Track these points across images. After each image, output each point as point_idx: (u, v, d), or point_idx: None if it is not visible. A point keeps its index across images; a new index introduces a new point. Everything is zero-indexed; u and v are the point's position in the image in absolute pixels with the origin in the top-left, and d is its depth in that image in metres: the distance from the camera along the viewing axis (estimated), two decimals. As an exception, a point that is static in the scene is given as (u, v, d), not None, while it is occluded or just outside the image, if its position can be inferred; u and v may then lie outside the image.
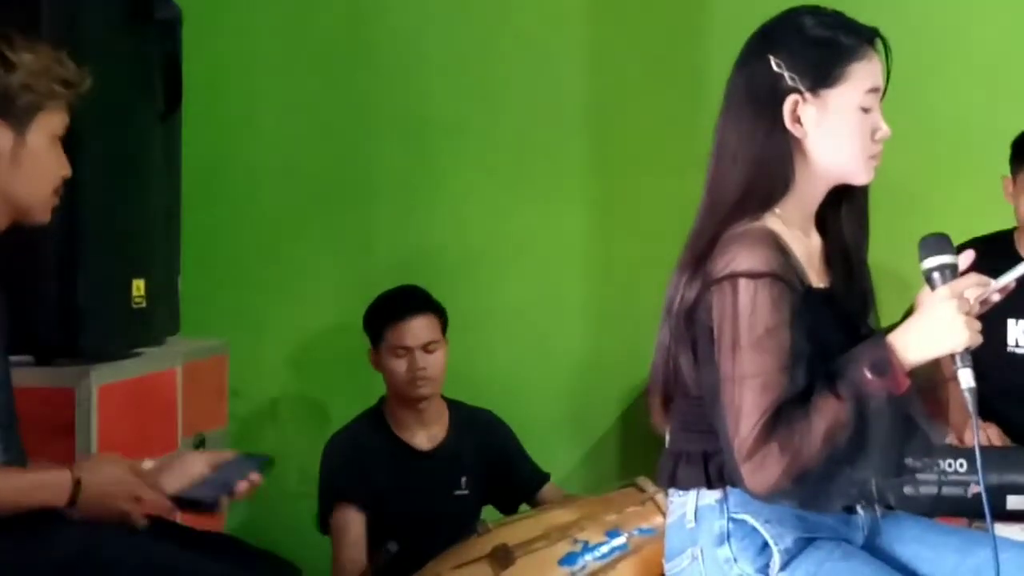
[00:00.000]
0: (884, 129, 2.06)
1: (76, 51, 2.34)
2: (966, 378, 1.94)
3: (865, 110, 2.04)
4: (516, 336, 4.04)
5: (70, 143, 2.34)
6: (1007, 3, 3.91)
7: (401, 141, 4.11)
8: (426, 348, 3.31)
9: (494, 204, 4.08)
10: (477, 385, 3.58)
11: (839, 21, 2.06)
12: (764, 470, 1.91)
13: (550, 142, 4.06)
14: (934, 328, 1.93)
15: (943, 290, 1.94)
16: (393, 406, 3.40)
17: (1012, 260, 3.23)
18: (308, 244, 4.11)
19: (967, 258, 2.00)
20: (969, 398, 1.93)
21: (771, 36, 2.07)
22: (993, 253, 3.20)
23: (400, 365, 3.31)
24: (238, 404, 3.73)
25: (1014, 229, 3.30)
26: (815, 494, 1.97)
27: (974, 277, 1.96)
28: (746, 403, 1.92)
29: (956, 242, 3.33)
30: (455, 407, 3.45)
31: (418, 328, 3.32)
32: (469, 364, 3.66)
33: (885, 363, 1.91)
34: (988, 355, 3.23)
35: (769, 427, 1.90)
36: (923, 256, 1.98)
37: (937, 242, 1.98)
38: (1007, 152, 3.30)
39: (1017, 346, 3.29)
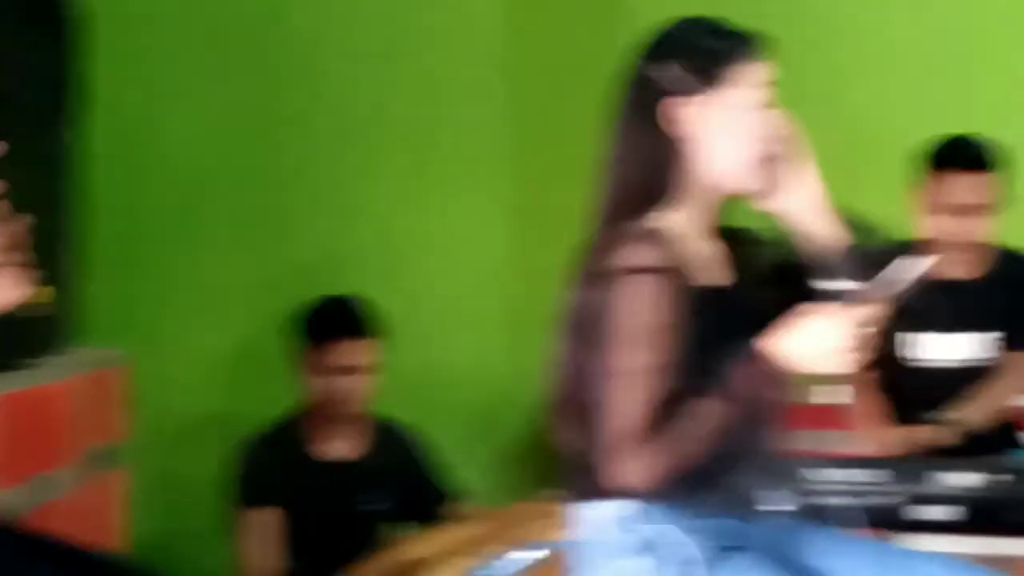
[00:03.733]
0: (775, 129, 2.06)
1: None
2: (836, 393, 1.98)
3: (749, 110, 2.05)
4: (429, 344, 4.02)
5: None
6: (930, 6, 3.93)
7: (315, 145, 4.08)
8: (364, 370, 3.29)
9: (410, 209, 4.06)
10: (389, 392, 3.53)
11: (720, 27, 2.09)
12: (634, 468, 1.90)
13: (469, 147, 4.06)
14: (822, 352, 1.94)
15: (840, 320, 1.94)
16: (312, 416, 3.36)
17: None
18: (218, 250, 4.06)
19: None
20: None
21: (653, 45, 2.09)
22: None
23: (335, 383, 3.27)
24: (144, 416, 3.65)
25: (922, 240, 3.29)
26: (690, 496, 1.96)
27: (874, 311, 1.96)
28: (620, 399, 1.91)
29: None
30: (373, 419, 3.43)
31: (361, 350, 3.29)
32: (383, 372, 3.60)
33: (772, 376, 1.92)
34: (903, 368, 3.30)
35: (642, 425, 1.90)
36: (832, 273, 1.98)
37: (850, 262, 1.98)
38: (913, 159, 3.30)
39: (929, 358, 3.30)
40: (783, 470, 2.05)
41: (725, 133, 2.03)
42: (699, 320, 1.96)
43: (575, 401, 2.08)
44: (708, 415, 1.90)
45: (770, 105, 2.06)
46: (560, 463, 2.18)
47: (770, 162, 2.06)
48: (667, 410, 1.90)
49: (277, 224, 4.09)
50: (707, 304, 2.00)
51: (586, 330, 2.00)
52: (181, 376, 4.01)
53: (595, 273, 1.98)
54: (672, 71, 2.03)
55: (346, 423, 3.33)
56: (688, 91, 2.02)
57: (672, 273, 1.96)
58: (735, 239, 2.15)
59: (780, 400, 1.94)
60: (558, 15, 4.03)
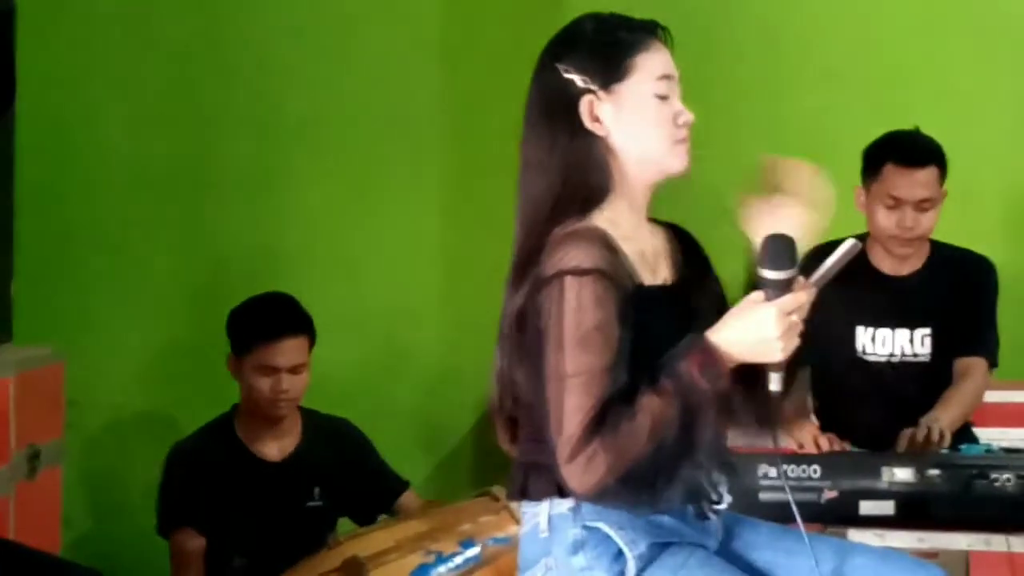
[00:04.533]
0: (687, 115, 2.07)
1: None
2: (774, 381, 2.00)
3: (661, 97, 2.06)
4: (369, 342, 4.01)
5: None
6: (860, 11, 3.98)
7: (251, 142, 4.05)
8: (293, 370, 3.24)
9: (347, 208, 4.04)
10: (329, 392, 3.51)
11: (618, 20, 2.10)
12: (589, 470, 1.90)
13: (404, 145, 4.04)
14: (756, 341, 1.95)
15: (771, 309, 1.95)
16: (245, 416, 3.33)
17: (862, 267, 3.33)
18: (153, 248, 4.02)
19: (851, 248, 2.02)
20: (773, 402, 2.00)
21: (556, 46, 2.10)
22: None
23: (264, 384, 3.23)
24: (77, 414, 3.61)
25: (865, 235, 3.34)
26: (642, 493, 1.96)
27: (803, 297, 1.97)
28: (570, 402, 1.91)
29: (807, 247, 3.40)
30: (308, 415, 3.39)
31: (289, 350, 3.23)
32: (321, 371, 3.58)
33: (714, 368, 1.93)
34: (839, 362, 3.33)
35: (593, 426, 1.89)
36: (760, 263, 1.98)
37: (776, 252, 1.98)
38: (856, 159, 3.34)
39: (865, 352, 3.34)
40: (723, 465, 2.07)
41: (641, 122, 2.04)
42: (641, 319, 1.96)
43: (513, 403, 2.07)
44: (651, 411, 1.90)
45: (676, 89, 2.07)
46: (503, 460, 2.18)
47: (685, 141, 2.07)
48: (614, 411, 1.90)
49: (210, 221, 4.05)
50: (648, 303, 2.00)
51: (525, 333, 1.99)
52: (114, 374, 3.97)
53: (533, 276, 1.97)
54: (585, 70, 2.03)
55: (282, 421, 3.30)
56: (600, 86, 2.03)
57: (613, 272, 1.96)
58: (687, 235, 2.17)
59: (721, 393, 1.93)
60: (496, 10, 4.02)
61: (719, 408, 1.94)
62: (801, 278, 1.99)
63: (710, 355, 1.94)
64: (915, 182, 3.22)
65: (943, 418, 3.12)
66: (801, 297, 1.97)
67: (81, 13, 4.01)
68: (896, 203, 3.23)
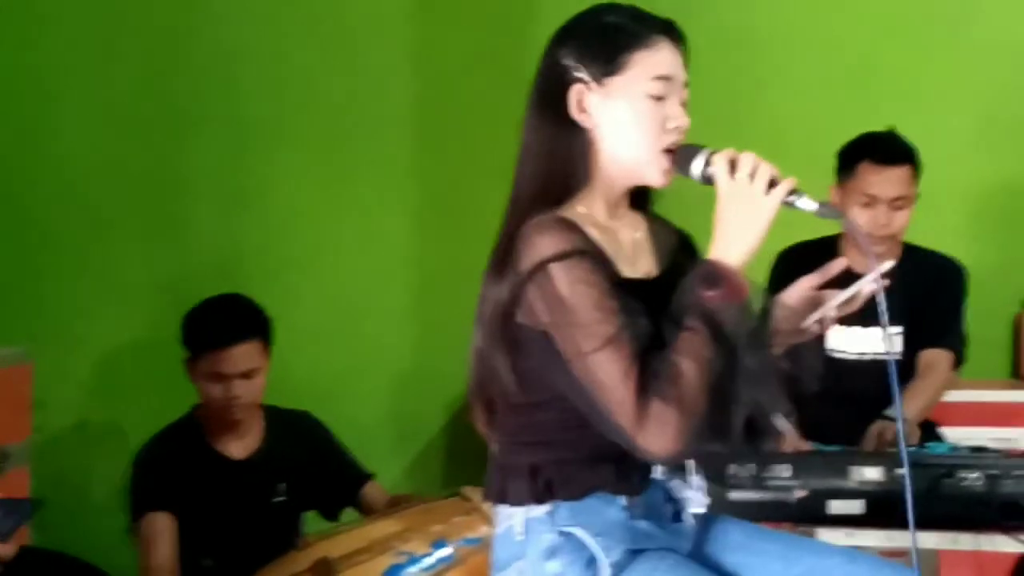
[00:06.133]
0: (679, 120, 2.02)
1: None
2: (807, 203, 1.95)
3: (655, 98, 2.00)
4: (338, 343, 4.00)
5: None
6: (828, 15, 4.00)
7: (219, 144, 4.03)
8: (246, 374, 3.19)
9: (315, 209, 4.03)
10: (298, 393, 3.50)
11: (629, 12, 2.05)
12: (660, 429, 1.85)
13: (372, 146, 4.04)
14: (736, 209, 1.92)
15: (720, 174, 1.93)
16: (206, 416, 3.29)
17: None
18: (121, 250, 4.00)
19: (838, 265, 2.08)
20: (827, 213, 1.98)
21: (562, 33, 2.06)
22: (818, 259, 3.29)
23: (215, 390, 3.19)
24: (43, 416, 3.59)
25: (839, 235, 3.35)
26: (721, 427, 1.89)
27: (731, 151, 1.95)
28: (608, 373, 1.87)
29: (782, 247, 3.42)
30: (270, 412, 3.37)
31: (238, 356, 3.18)
32: (289, 372, 3.58)
33: (714, 273, 1.89)
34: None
35: (641, 385, 1.86)
36: (683, 170, 1.97)
37: (685, 150, 1.98)
38: (825, 160, 3.36)
39: (835, 351, 3.35)
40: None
41: (627, 121, 2.00)
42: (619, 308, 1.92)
43: (495, 397, 2.05)
44: (688, 351, 1.86)
45: (677, 92, 2.02)
46: (474, 460, 2.17)
47: (672, 152, 2.02)
48: (653, 365, 1.86)
49: (178, 222, 4.04)
50: (625, 293, 1.95)
51: (520, 332, 1.96)
52: (81, 375, 3.95)
53: (519, 270, 1.93)
54: (582, 59, 2.00)
55: (241, 422, 3.28)
56: (593, 77, 1.99)
57: (592, 250, 1.94)
58: (684, 236, 2.16)
59: (746, 304, 1.89)
60: (468, 12, 4.02)
61: (749, 319, 1.89)
62: None
63: (713, 271, 1.89)
64: (890, 180, 3.26)
65: (907, 410, 3.14)
66: (729, 151, 1.95)
67: (48, 11, 3.98)
68: (871, 201, 3.26)
